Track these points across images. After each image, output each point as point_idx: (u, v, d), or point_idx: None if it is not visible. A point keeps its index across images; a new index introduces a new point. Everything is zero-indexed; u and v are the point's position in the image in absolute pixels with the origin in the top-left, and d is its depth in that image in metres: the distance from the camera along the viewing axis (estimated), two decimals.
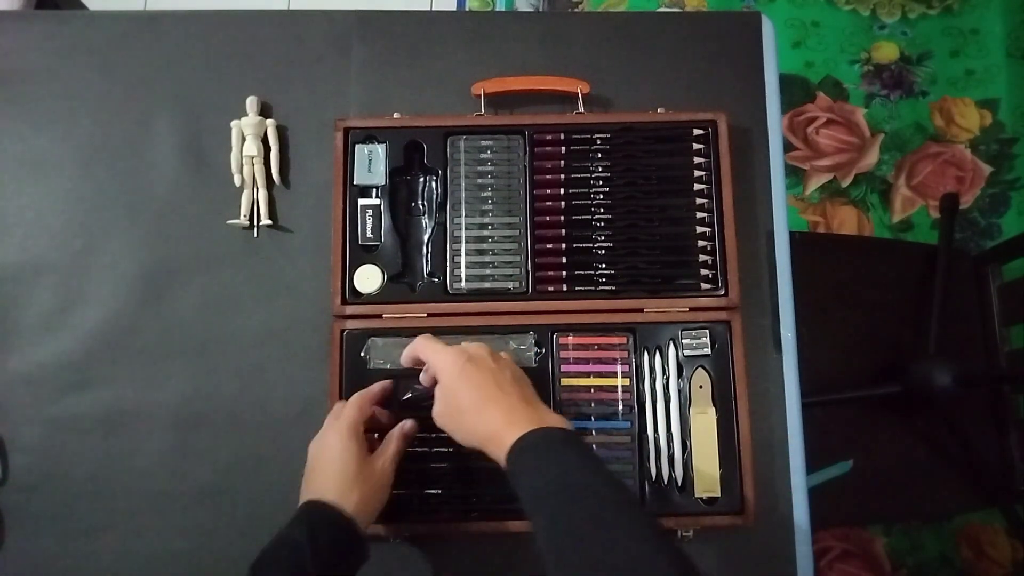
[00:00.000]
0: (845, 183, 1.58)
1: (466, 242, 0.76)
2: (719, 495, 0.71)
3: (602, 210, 0.77)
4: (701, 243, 0.76)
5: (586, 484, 0.53)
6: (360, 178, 0.77)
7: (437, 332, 0.73)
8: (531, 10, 1.70)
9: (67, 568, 0.74)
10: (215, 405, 0.77)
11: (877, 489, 1.16)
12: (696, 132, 0.77)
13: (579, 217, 0.77)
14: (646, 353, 0.74)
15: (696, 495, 0.71)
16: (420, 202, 0.79)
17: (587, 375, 0.73)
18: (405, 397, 0.69)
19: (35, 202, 0.81)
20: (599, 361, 0.74)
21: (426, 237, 0.77)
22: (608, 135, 0.77)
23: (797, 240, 0.81)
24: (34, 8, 0.98)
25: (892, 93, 1.61)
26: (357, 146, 0.77)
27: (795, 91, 1.61)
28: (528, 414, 0.59)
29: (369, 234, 0.76)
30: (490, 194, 0.77)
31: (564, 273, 0.76)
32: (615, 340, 0.74)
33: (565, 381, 0.73)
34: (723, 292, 0.74)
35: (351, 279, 0.75)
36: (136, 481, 0.75)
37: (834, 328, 1.15)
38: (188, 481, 0.75)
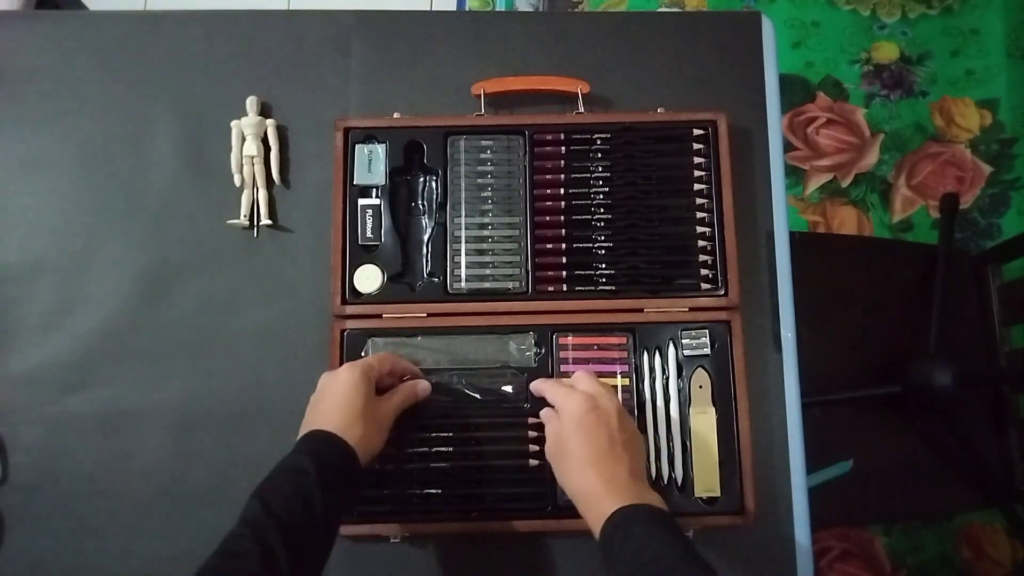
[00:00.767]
0: (845, 183, 1.58)
1: (466, 242, 0.76)
2: (719, 495, 0.71)
3: (602, 210, 0.77)
4: (701, 243, 0.76)
5: (673, 565, 0.53)
6: (360, 178, 0.77)
7: (437, 332, 0.74)
8: (531, 10, 1.70)
9: (67, 568, 0.74)
10: (215, 405, 0.77)
11: (877, 489, 1.17)
12: (696, 132, 0.77)
13: (579, 217, 0.77)
14: (646, 353, 0.74)
15: (696, 495, 0.71)
16: (420, 202, 0.79)
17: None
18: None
19: (35, 202, 0.81)
20: (599, 361, 0.74)
21: (426, 237, 0.77)
22: (608, 135, 0.77)
23: (797, 240, 0.81)
24: (34, 8, 0.98)
25: (892, 93, 1.61)
26: (357, 146, 0.77)
27: (795, 91, 1.61)
28: (630, 487, 0.58)
29: (369, 234, 0.76)
30: (490, 194, 0.77)
31: (564, 273, 0.76)
32: (615, 340, 0.74)
33: (565, 381, 0.73)
34: (723, 292, 0.74)
35: (351, 279, 0.75)
36: (136, 481, 0.75)
37: (834, 328, 1.15)
38: (188, 481, 0.75)
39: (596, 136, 0.78)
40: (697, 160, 0.77)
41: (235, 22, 0.85)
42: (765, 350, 0.77)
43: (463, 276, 0.76)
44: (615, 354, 0.74)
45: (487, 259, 0.76)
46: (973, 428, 1.15)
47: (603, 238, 0.76)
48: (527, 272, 0.75)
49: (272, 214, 0.80)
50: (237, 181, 0.80)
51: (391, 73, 0.83)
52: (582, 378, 0.66)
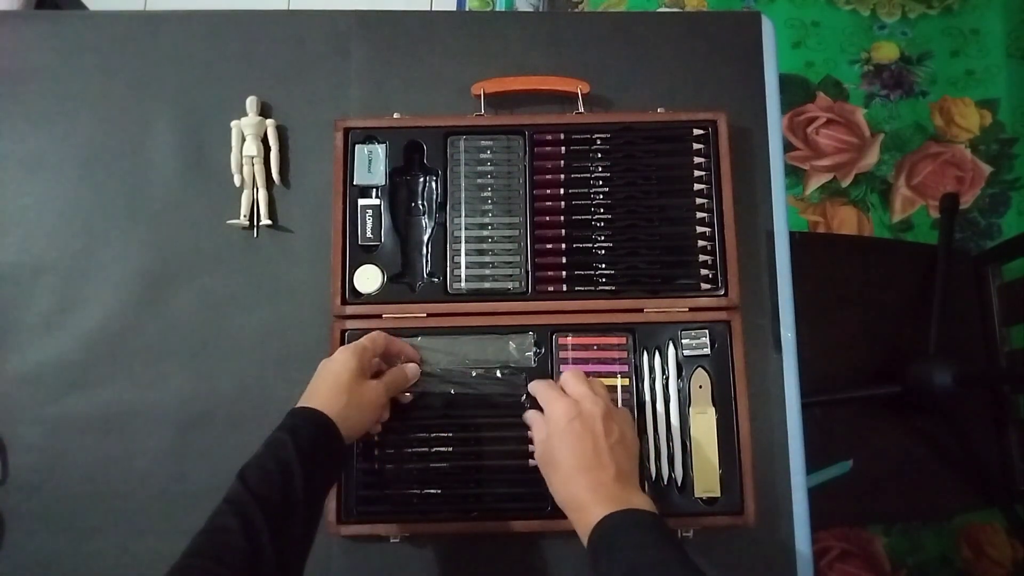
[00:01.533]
0: (845, 183, 1.58)
1: (466, 242, 0.76)
2: (719, 495, 0.71)
3: (602, 210, 0.77)
4: (701, 243, 0.76)
5: (657, 572, 0.53)
6: (360, 178, 0.77)
7: (437, 332, 0.74)
8: (531, 10, 1.70)
9: (67, 568, 0.74)
10: (215, 405, 0.77)
11: (877, 489, 1.16)
12: (696, 132, 0.77)
13: (579, 217, 0.77)
14: (646, 353, 0.74)
15: (696, 495, 0.71)
16: (420, 202, 0.79)
17: (587, 375, 0.73)
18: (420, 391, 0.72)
19: (35, 202, 0.81)
20: (599, 361, 0.74)
21: (426, 237, 0.77)
22: (608, 135, 0.77)
23: (797, 240, 0.81)
24: (34, 8, 0.98)
25: (892, 93, 1.61)
26: (357, 146, 0.77)
27: (795, 91, 1.61)
28: (615, 493, 0.58)
29: (369, 234, 0.76)
30: (490, 194, 0.77)
31: (564, 273, 0.76)
32: (615, 340, 0.74)
33: None
34: (723, 292, 0.74)
35: (351, 279, 0.75)
36: (136, 481, 0.75)
37: (834, 328, 1.15)
38: (188, 481, 0.75)
39: (596, 136, 0.78)
40: (697, 160, 0.77)
41: (235, 22, 0.85)
42: (765, 350, 0.77)
43: (463, 276, 0.76)
44: (615, 354, 0.74)
45: (487, 259, 0.76)
46: (973, 428, 1.14)
47: (603, 238, 0.76)
48: (527, 272, 0.75)
49: (272, 214, 0.80)
50: (237, 181, 0.80)
51: (391, 73, 0.83)
52: (568, 380, 0.66)
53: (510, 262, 0.76)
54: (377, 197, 0.77)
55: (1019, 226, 1.54)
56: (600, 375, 0.73)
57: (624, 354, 0.74)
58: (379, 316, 0.74)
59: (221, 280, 0.79)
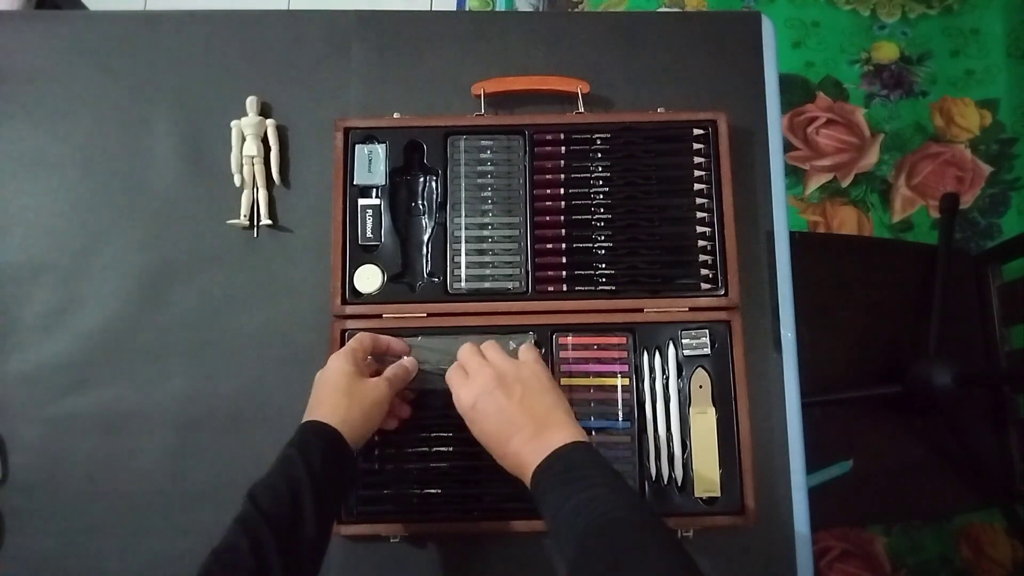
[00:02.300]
0: (845, 183, 1.58)
1: (466, 242, 0.76)
2: (719, 495, 0.71)
3: (602, 210, 0.77)
4: (701, 243, 0.76)
5: (581, 507, 0.54)
6: (360, 178, 0.77)
7: (437, 332, 0.74)
8: (531, 10, 1.70)
9: (67, 568, 0.74)
10: (215, 405, 0.77)
11: (877, 489, 1.17)
12: (696, 132, 0.77)
13: (579, 217, 0.77)
14: (646, 353, 0.74)
15: (696, 495, 0.71)
16: (420, 202, 0.79)
17: (587, 375, 0.73)
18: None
19: (35, 202, 0.81)
20: (599, 361, 0.74)
21: (426, 237, 0.77)
22: (608, 135, 0.77)
23: (797, 240, 0.81)
24: (34, 8, 0.98)
25: (892, 93, 1.61)
26: (357, 146, 0.77)
27: (795, 91, 1.61)
28: (537, 445, 0.59)
29: (369, 234, 0.76)
30: (490, 194, 0.77)
31: (564, 273, 0.76)
32: (615, 340, 0.74)
33: (565, 381, 0.73)
34: (723, 292, 0.74)
35: (351, 279, 0.75)
36: (136, 481, 0.75)
37: (834, 328, 1.15)
38: (188, 481, 0.75)
39: (596, 136, 0.78)
40: (697, 160, 0.77)
41: (235, 22, 0.85)
42: (765, 350, 0.77)
43: (463, 276, 0.76)
44: (615, 354, 0.74)
45: (487, 259, 0.76)
46: (973, 428, 1.14)
47: (603, 238, 0.76)
48: (527, 272, 0.75)
49: (272, 214, 0.80)
50: (237, 181, 0.80)
51: (391, 73, 0.83)
52: (462, 359, 0.66)
53: (510, 262, 0.76)
54: (377, 197, 0.77)
55: (1019, 226, 1.54)
56: (600, 375, 0.73)
57: (624, 354, 0.74)
58: (379, 316, 0.74)
59: (221, 280, 0.79)
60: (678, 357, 0.74)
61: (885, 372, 1.15)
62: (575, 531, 0.53)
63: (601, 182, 0.77)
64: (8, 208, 0.81)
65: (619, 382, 0.73)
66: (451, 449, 0.72)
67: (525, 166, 0.77)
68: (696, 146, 0.77)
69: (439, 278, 0.76)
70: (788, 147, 1.58)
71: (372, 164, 0.77)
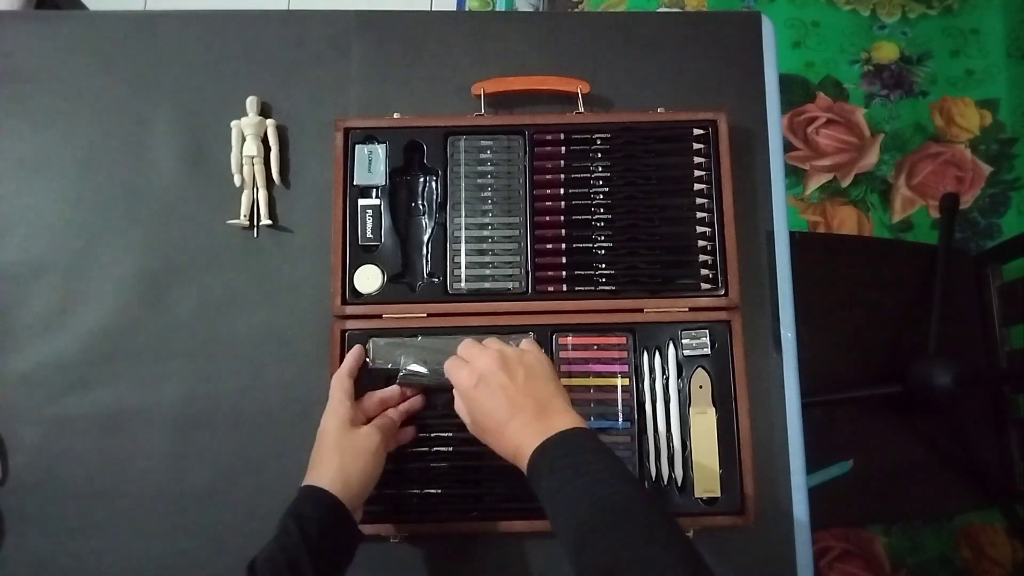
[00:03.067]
0: (845, 183, 1.58)
1: (466, 242, 0.76)
2: (719, 495, 0.71)
3: (602, 210, 0.77)
4: (701, 243, 0.76)
5: (574, 488, 0.55)
6: (360, 178, 0.77)
7: (437, 332, 0.74)
8: (531, 10, 1.70)
9: (67, 568, 0.74)
10: (215, 405, 0.77)
11: (877, 489, 1.17)
12: (696, 132, 0.77)
13: (579, 217, 0.77)
14: (646, 353, 0.74)
15: (696, 495, 0.71)
16: (420, 202, 0.79)
17: (587, 375, 0.73)
18: (401, 374, 0.71)
19: (35, 202, 0.81)
20: (599, 361, 0.74)
21: (426, 237, 0.77)
22: (608, 135, 0.77)
23: (797, 240, 0.81)
24: (34, 8, 0.98)
25: (892, 93, 1.61)
26: (357, 146, 0.77)
27: (795, 91, 1.61)
28: (539, 427, 0.59)
29: (369, 234, 0.76)
30: (490, 194, 0.77)
31: (564, 273, 0.76)
32: (615, 340, 0.74)
33: (565, 381, 0.73)
34: (723, 292, 0.74)
35: (351, 279, 0.75)
36: (136, 481, 0.75)
37: (834, 328, 1.15)
38: (188, 481, 0.75)
39: (596, 136, 0.78)
40: (697, 160, 0.77)
41: (235, 22, 0.85)
42: (765, 350, 0.77)
43: (463, 276, 0.76)
44: (615, 354, 0.74)
45: (487, 259, 0.76)
46: (973, 428, 1.15)
47: (603, 238, 0.76)
48: (527, 272, 0.75)
49: (272, 214, 0.80)
50: (237, 181, 0.80)
51: (391, 73, 0.83)
52: (462, 350, 0.66)
53: (510, 262, 0.76)
54: (377, 197, 0.77)
55: (1019, 226, 1.54)
56: (600, 375, 0.73)
57: (624, 354, 0.74)
58: (379, 316, 0.74)
59: (221, 280, 0.79)
60: (678, 357, 0.74)
61: (885, 372, 1.15)
62: (577, 514, 0.53)
63: (601, 182, 0.77)
64: (8, 208, 0.81)
65: (619, 382, 0.73)
66: (451, 449, 0.72)
67: (525, 166, 0.77)
68: (696, 146, 0.77)
69: (439, 278, 0.76)
70: (788, 147, 1.58)
71: (372, 164, 0.77)
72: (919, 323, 1.16)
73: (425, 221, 0.78)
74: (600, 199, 0.77)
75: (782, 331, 0.77)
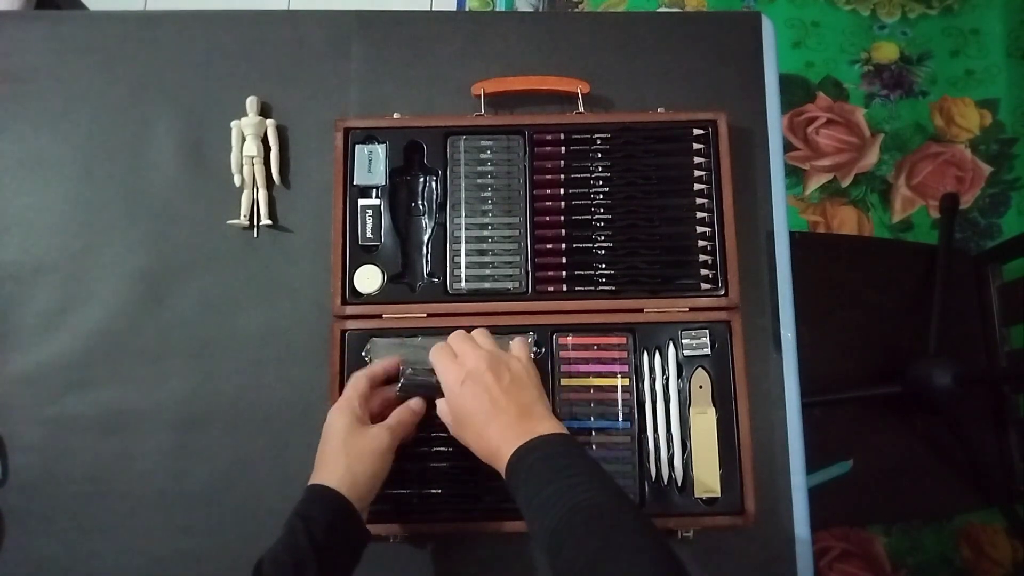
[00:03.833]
0: (845, 183, 1.58)
1: (466, 242, 0.76)
2: (719, 495, 0.71)
3: (602, 210, 0.77)
4: (701, 243, 0.76)
5: (549, 494, 0.54)
6: (360, 178, 0.77)
7: (437, 332, 0.73)
8: (531, 10, 1.70)
9: (67, 568, 0.74)
10: (215, 405, 0.76)
11: (877, 489, 1.17)
12: (696, 132, 0.77)
13: (579, 217, 0.77)
14: (646, 353, 0.74)
15: (696, 495, 0.71)
16: (420, 202, 0.79)
17: (587, 375, 0.73)
18: (400, 384, 0.69)
19: (35, 202, 0.81)
20: (599, 361, 0.74)
21: (426, 237, 0.77)
22: (608, 135, 0.77)
23: (797, 240, 0.81)
24: (34, 8, 0.98)
25: (892, 93, 1.61)
26: (357, 146, 0.77)
27: (795, 91, 1.61)
28: (520, 430, 0.59)
29: (369, 234, 0.76)
30: (490, 194, 0.77)
31: (564, 273, 0.76)
32: (615, 340, 0.74)
33: (565, 381, 0.73)
34: (723, 292, 0.74)
35: (351, 279, 0.75)
36: (136, 481, 0.75)
37: (834, 328, 1.15)
38: (188, 481, 0.75)
39: (596, 136, 0.78)
40: (697, 160, 0.77)
41: (235, 22, 0.85)
42: (765, 350, 0.77)
43: (463, 276, 0.76)
44: (615, 354, 0.74)
45: (487, 259, 0.76)
46: (973, 428, 1.15)
47: (603, 238, 0.76)
48: (527, 272, 0.75)
49: (272, 214, 0.80)
50: (237, 181, 0.80)
51: (391, 73, 0.83)
52: (452, 342, 0.66)
53: (510, 262, 0.76)
54: (377, 197, 0.77)
55: (1019, 226, 1.54)
56: (600, 375, 0.73)
57: (624, 354, 0.74)
58: (379, 316, 0.74)
59: (221, 280, 0.79)
60: (678, 357, 0.74)
61: (885, 372, 1.15)
62: (553, 517, 0.53)
63: (601, 182, 0.77)
64: (8, 208, 0.81)
65: (619, 382, 0.73)
66: (451, 449, 0.72)
67: (525, 166, 0.77)
68: (696, 146, 0.77)
69: (439, 278, 0.76)
70: (788, 147, 1.58)
71: (372, 164, 0.77)
72: (919, 323, 1.16)
73: (425, 221, 0.78)
74: (600, 199, 0.77)
75: (782, 331, 0.77)
